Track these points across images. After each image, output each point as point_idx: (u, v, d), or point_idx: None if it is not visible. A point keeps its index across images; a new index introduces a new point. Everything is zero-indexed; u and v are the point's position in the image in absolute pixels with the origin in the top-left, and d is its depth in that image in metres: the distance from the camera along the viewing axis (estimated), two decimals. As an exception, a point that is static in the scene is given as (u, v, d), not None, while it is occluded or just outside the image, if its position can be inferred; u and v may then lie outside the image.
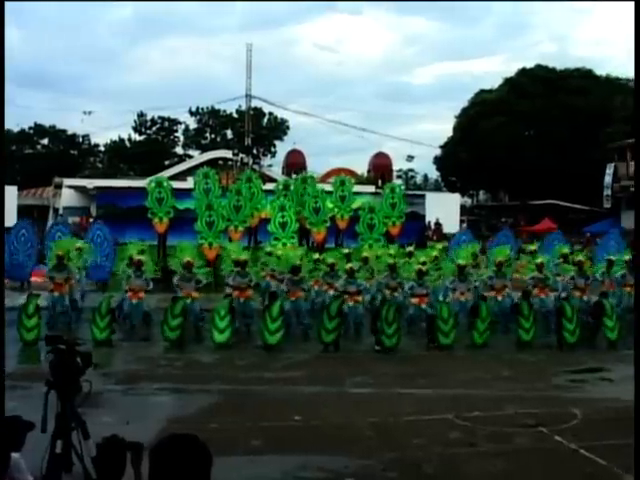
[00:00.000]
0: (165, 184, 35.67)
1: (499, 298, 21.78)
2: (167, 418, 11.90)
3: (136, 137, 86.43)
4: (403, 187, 44.38)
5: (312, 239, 36.44)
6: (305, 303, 21.21)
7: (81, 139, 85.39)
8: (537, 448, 10.81)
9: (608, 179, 58.14)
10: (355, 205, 36.99)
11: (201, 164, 50.18)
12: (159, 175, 47.24)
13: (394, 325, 18.84)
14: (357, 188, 40.96)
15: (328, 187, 38.30)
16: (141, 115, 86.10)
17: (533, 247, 26.63)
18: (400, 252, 25.64)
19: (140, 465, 4.71)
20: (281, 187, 37.72)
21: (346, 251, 26.15)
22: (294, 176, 38.06)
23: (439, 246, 27.37)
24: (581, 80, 69.24)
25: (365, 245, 33.51)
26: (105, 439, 5.18)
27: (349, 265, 21.68)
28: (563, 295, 22.26)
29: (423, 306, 21.06)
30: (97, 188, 51.87)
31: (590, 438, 11.05)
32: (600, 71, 72.78)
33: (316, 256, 25.04)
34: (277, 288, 22.50)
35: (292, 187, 37.40)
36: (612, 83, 70.84)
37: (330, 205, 36.27)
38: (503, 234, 34.51)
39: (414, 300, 21.17)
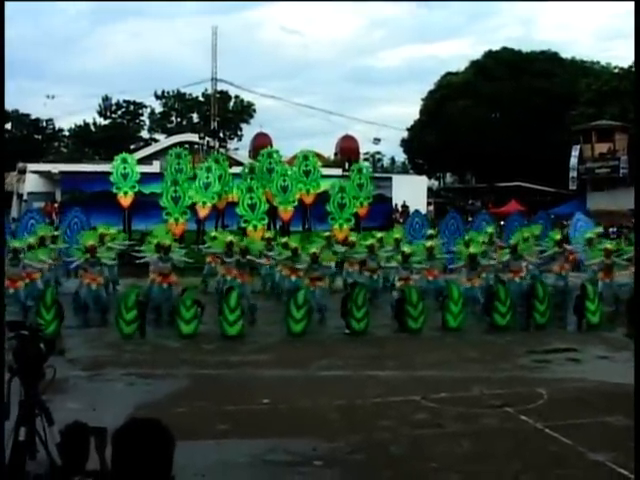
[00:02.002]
0: (130, 160, 35.96)
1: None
2: (134, 404, 11.83)
3: (101, 121, 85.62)
4: (370, 169, 44.30)
5: (279, 221, 36.48)
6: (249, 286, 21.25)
7: (45, 123, 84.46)
8: (503, 428, 10.89)
9: (574, 161, 58.47)
10: (323, 187, 36.95)
11: (167, 148, 49.86)
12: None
13: (363, 309, 18.87)
14: (324, 171, 40.83)
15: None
16: (106, 99, 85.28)
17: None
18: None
19: (104, 450, 4.68)
20: (247, 170, 37.71)
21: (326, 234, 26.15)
22: (259, 163, 37.96)
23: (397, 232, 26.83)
24: (546, 63, 69.47)
25: (335, 225, 33.65)
26: (68, 425, 5.15)
27: (313, 250, 21.46)
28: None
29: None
30: (62, 173, 51.31)
31: (555, 418, 11.15)
32: (565, 54, 73.16)
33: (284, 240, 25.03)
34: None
35: (258, 164, 37.45)
36: (577, 66, 71.24)
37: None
38: (482, 218, 34.81)
39: (399, 283, 21.22)
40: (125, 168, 35.40)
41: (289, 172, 36.36)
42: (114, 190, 35.43)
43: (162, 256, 20.74)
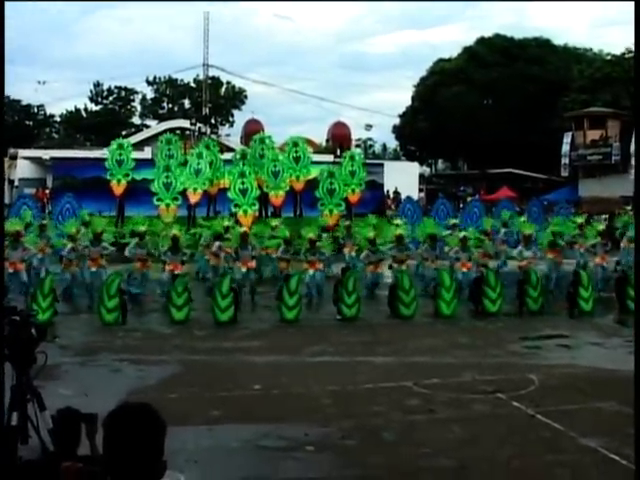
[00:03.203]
0: (126, 146, 35.74)
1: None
2: (126, 389, 11.83)
3: (92, 107, 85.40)
4: (362, 155, 44.20)
5: (270, 207, 36.45)
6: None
7: (36, 109, 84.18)
8: (495, 414, 10.92)
9: (566, 148, 58.51)
10: (314, 174, 36.90)
11: (159, 134, 49.81)
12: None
13: (354, 295, 18.88)
14: (316, 157, 40.86)
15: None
16: (97, 85, 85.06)
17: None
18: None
19: (95, 436, 4.68)
20: (239, 156, 37.62)
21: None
22: (251, 149, 37.86)
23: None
24: (539, 49, 69.46)
25: (325, 211, 33.65)
26: (59, 411, 5.14)
27: (310, 235, 21.47)
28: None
29: (403, 267, 21.21)
30: (53, 159, 51.20)
31: (547, 404, 11.17)
32: (558, 41, 73.13)
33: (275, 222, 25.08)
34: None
35: (250, 150, 37.38)
36: (570, 53, 71.23)
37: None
38: (474, 205, 34.93)
39: (395, 265, 21.27)
40: (121, 154, 35.27)
41: (280, 158, 36.27)
42: (108, 177, 35.30)
43: (139, 242, 21.00)
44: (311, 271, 20.62)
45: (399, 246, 21.54)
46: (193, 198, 34.52)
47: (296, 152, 36.93)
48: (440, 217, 32.04)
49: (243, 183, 33.35)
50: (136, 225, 21.79)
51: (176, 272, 19.98)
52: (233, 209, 33.26)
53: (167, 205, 33.31)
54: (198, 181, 34.52)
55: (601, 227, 24.04)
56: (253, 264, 21.48)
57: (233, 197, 33.20)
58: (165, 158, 36.01)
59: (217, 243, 22.36)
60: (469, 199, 48.88)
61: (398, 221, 26.09)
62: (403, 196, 48.33)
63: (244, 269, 20.93)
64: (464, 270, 21.24)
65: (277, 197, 35.49)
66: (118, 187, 35.05)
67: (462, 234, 22.26)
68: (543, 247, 22.14)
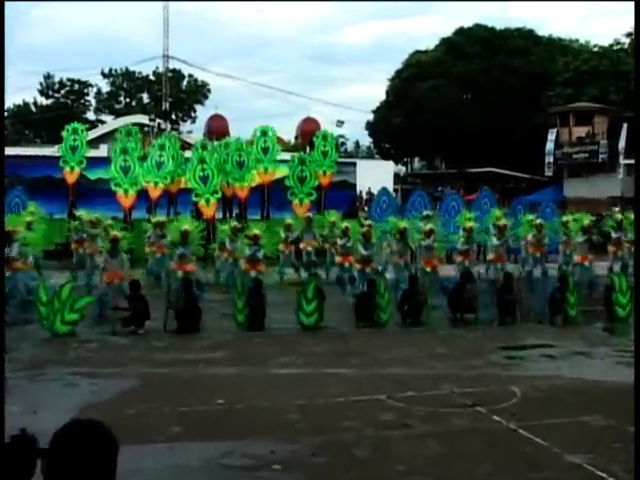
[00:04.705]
0: (81, 130, 35.41)
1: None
2: (78, 405, 11.77)
3: (43, 101, 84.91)
4: (335, 136, 43.65)
5: (235, 207, 36.24)
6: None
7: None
8: (475, 429, 10.96)
9: (550, 145, 58.77)
10: (282, 172, 36.73)
11: (115, 130, 49.55)
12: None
13: (314, 302, 18.91)
14: (284, 155, 40.71)
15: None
16: (48, 77, 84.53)
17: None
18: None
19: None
20: (199, 146, 37.28)
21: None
22: (216, 143, 37.56)
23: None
24: (522, 40, 69.90)
25: (295, 200, 33.62)
26: (12, 437, 5.05)
27: (253, 231, 21.46)
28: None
29: (367, 270, 21.30)
30: (-1, 157, 50.76)
31: (530, 417, 11.23)
32: (542, 32, 73.60)
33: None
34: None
35: (211, 148, 37.17)
36: (554, 44, 71.66)
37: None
38: (452, 197, 35.03)
39: (358, 265, 21.38)
40: (75, 140, 35.00)
41: (245, 147, 35.88)
42: (61, 164, 34.93)
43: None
44: (252, 272, 20.58)
45: (367, 245, 21.61)
46: (154, 193, 34.16)
47: (265, 142, 36.59)
48: (416, 210, 32.10)
49: (203, 170, 32.88)
50: (11, 225, 21.33)
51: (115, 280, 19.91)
52: (194, 198, 32.95)
53: (125, 191, 33.00)
54: (159, 175, 34.16)
55: (586, 222, 24.09)
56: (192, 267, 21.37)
57: (193, 185, 32.70)
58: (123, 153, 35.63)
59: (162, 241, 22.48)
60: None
61: (368, 221, 26.23)
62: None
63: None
64: (428, 269, 21.36)
65: (242, 189, 35.12)
66: (71, 175, 34.70)
67: (403, 224, 22.43)
68: (519, 239, 22.40)
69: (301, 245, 25.74)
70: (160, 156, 34.31)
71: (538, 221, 24.95)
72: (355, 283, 21.91)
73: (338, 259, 22.11)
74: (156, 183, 33.99)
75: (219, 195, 33.07)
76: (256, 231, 22.21)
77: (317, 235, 26.74)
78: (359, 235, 22.40)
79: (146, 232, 25.25)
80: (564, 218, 25.67)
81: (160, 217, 25.35)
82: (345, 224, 23.56)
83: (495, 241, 22.32)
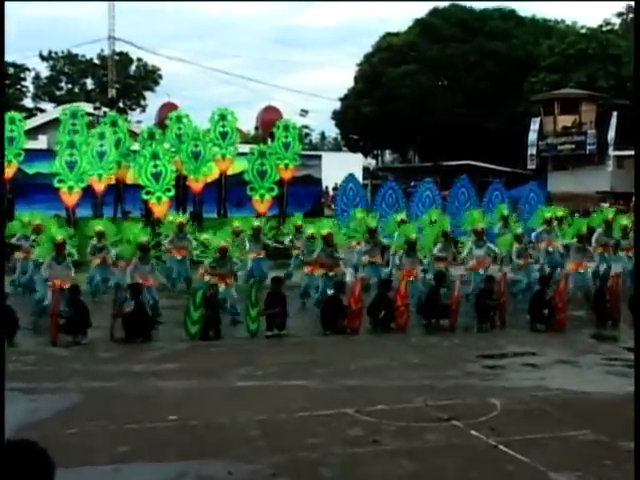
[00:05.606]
0: (18, 120, 35.24)
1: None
2: (15, 425, 11.59)
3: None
4: (297, 126, 43.43)
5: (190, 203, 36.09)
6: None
7: None
8: (451, 445, 10.98)
9: (533, 136, 59.20)
10: (241, 166, 36.62)
11: (56, 120, 49.26)
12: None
13: (257, 307, 18.97)
14: (242, 148, 40.62)
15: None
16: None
17: None
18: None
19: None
20: (146, 135, 37.06)
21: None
22: (168, 129, 37.29)
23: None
24: (502, 22, 70.37)
25: (256, 196, 33.53)
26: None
27: (222, 244, 21.34)
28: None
29: (331, 274, 21.35)
30: None
31: (511, 432, 11.28)
32: (524, 12, 74.03)
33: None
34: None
35: (159, 131, 36.98)
36: (538, 25, 72.13)
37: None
38: (426, 186, 34.95)
39: (322, 270, 21.45)
40: (12, 131, 34.79)
41: (202, 136, 35.73)
42: None
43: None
44: (222, 286, 20.59)
45: (328, 249, 21.68)
46: (98, 187, 33.90)
47: (223, 126, 36.44)
48: (388, 204, 32.08)
49: (156, 166, 32.67)
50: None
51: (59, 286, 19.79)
52: (144, 196, 32.76)
53: (70, 188, 32.74)
54: (103, 166, 33.90)
55: (584, 228, 24.07)
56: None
57: (144, 182, 32.50)
58: (70, 133, 35.27)
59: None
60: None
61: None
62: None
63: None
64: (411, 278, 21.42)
65: (197, 182, 34.93)
66: (8, 169, 34.51)
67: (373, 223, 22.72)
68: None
69: (252, 255, 25.40)
70: (101, 145, 34.06)
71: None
72: (320, 288, 21.94)
73: (307, 269, 22.11)
74: (100, 176, 33.75)
75: (172, 193, 32.92)
76: (224, 243, 21.93)
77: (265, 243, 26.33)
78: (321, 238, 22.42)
79: (91, 237, 24.96)
80: (547, 214, 25.68)
81: (102, 223, 24.89)
82: (311, 230, 23.49)
83: (475, 248, 22.40)
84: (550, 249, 24.51)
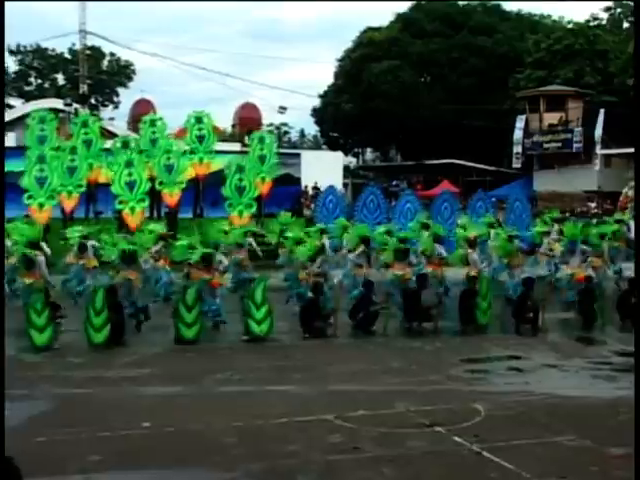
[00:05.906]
0: None
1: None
2: (-18, 432, 11.63)
3: None
4: (274, 138, 43.43)
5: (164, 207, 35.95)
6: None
7: None
8: (433, 451, 10.98)
9: (518, 134, 59.32)
10: (218, 165, 36.52)
11: (25, 116, 49.02)
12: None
13: (264, 308, 18.84)
14: (220, 146, 40.53)
15: (184, 145, 37.23)
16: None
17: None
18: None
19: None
20: (119, 144, 36.79)
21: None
22: (142, 133, 37.05)
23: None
24: (487, 16, 70.47)
25: (234, 212, 33.36)
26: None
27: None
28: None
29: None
30: None
31: (495, 438, 11.30)
32: (510, 6, 74.27)
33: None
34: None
35: (133, 138, 36.81)
36: (523, 20, 72.33)
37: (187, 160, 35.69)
38: (406, 199, 34.89)
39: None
40: None
41: (175, 148, 35.52)
42: None
43: None
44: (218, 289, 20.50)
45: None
46: (68, 204, 33.76)
47: (200, 130, 36.29)
48: (369, 210, 32.08)
49: (130, 174, 32.53)
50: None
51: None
52: (117, 206, 32.66)
53: (40, 205, 32.59)
54: (73, 182, 33.78)
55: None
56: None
57: (117, 192, 32.38)
58: (36, 141, 35.10)
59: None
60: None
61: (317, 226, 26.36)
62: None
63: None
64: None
65: (172, 196, 34.74)
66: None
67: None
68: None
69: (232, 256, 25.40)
70: (72, 161, 33.94)
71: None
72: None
73: (302, 275, 22.06)
74: (70, 193, 33.63)
75: (145, 203, 32.79)
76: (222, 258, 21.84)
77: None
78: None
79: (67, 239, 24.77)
80: (544, 228, 25.97)
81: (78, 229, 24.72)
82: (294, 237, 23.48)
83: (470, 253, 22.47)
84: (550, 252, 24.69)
